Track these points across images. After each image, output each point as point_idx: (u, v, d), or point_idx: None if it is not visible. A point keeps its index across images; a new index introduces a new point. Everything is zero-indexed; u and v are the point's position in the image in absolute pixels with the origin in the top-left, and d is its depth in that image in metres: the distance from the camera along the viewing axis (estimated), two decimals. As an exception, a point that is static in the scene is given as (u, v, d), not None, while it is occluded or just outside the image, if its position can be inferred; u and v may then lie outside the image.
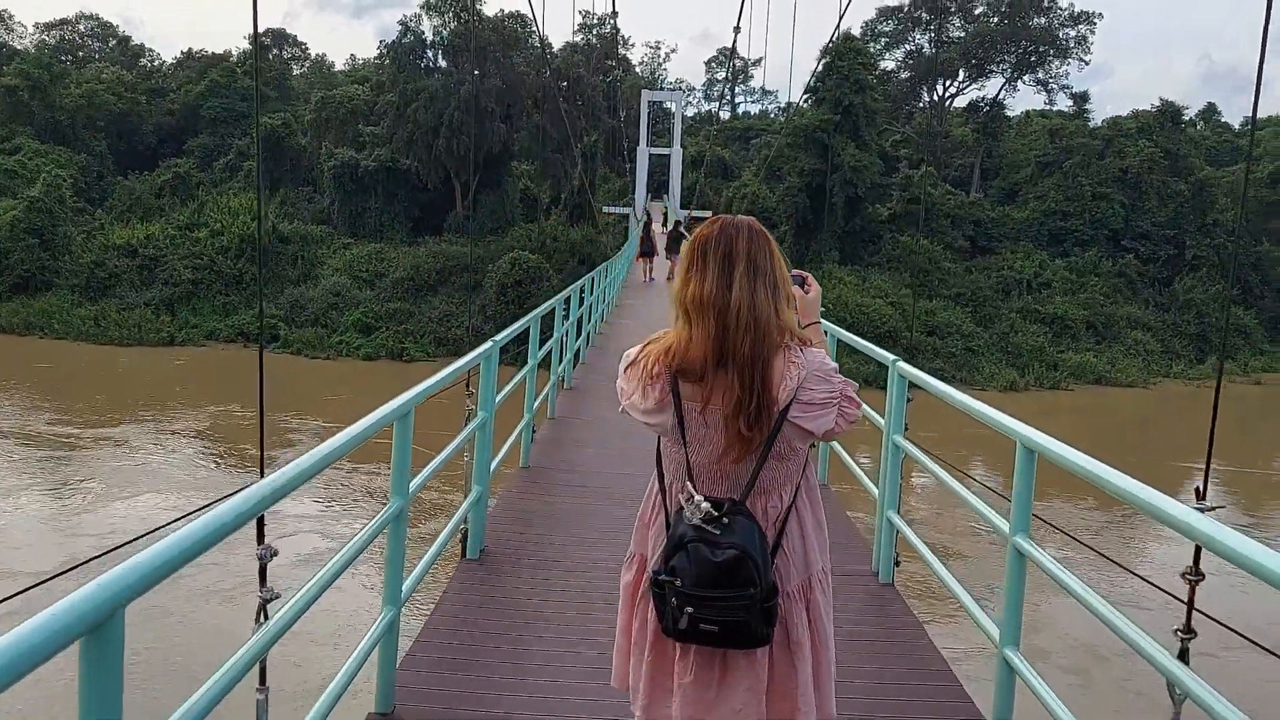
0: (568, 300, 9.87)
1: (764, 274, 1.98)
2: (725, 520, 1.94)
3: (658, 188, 50.00)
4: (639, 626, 2.12)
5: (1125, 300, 39.11)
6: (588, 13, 55.84)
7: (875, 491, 4.75)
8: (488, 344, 4.71)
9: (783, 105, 73.28)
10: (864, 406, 2.57)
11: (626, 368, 2.07)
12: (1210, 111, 63.40)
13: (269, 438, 21.51)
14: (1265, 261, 41.50)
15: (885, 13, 52.96)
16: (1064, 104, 55.36)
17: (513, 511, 5.50)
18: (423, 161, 37.54)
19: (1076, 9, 52.10)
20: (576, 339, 10.78)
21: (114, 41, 70.38)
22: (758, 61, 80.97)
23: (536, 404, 6.96)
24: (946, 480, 3.83)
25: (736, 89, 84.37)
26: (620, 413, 2.12)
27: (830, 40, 30.72)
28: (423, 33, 37.35)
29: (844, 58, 39.38)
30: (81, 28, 69.87)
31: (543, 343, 7.42)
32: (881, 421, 4.63)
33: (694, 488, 2.00)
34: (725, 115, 76.62)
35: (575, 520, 5.38)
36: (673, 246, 25.19)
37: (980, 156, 51.89)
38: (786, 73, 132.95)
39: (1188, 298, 39.18)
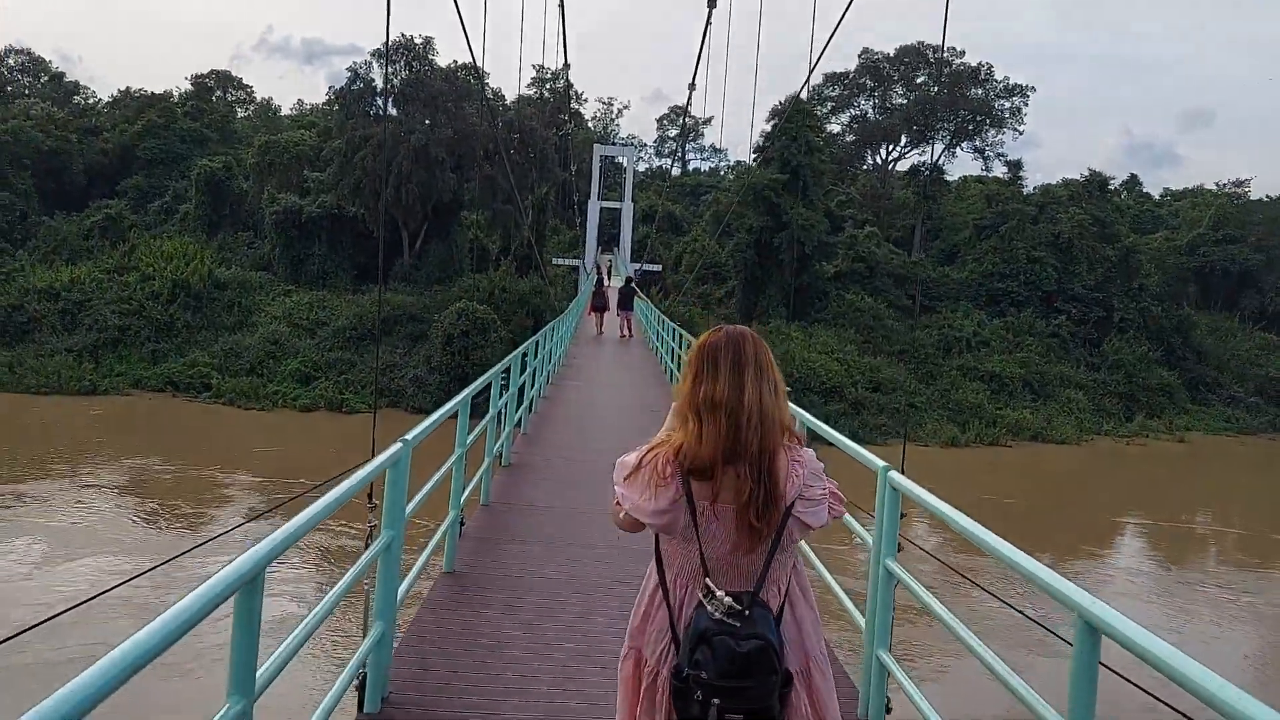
0: (507, 371, 8.63)
1: (768, 377, 2.17)
2: (747, 613, 2.02)
3: (608, 240, 50.17)
4: (643, 696, 2.18)
5: (1059, 359, 40.23)
6: (541, 66, 56.46)
7: (861, 623, 3.91)
8: (396, 446, 3.67)
9: (732, 163, 74.93)
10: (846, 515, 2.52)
11: (627, 476, 2.15)
12: (1133, 182, 66.59)
13: (200, 493, 20.52)
14: (1186, 324, 43.26)
15: (832, 79, 54.64)
16: (999, 170, 57.50)
17: (428, 641, 4.41)
18: (369, 209, 36.97)
19: (1011, 82, 54.57)
20: (518, 408, 9.32)
21: (46, 78, 68.52)
22: (709, 120, 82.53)
23: (467, 492, 5.92)
24: (953, 625, 3.07)
25: (688, 146, 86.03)
26: (616, 523, 2.24)
27: (787, 102, 31.42)
28: (372, 80, 37.06)
29: (793, 119, 40.32)
30: (11, 62, 67.94)
31: (480, 412, 6.61)
32: (868, 538, 3.89)
33: (711, 583, 2.07)
34: (676, 171, 77.75)
35: (512, 651, 4.32)
36: (625, 302, 25.44)
37: (921, 218, 53.44)
38: (736, 131, 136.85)
39: (1116, 358, 40.50)
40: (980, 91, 54.56)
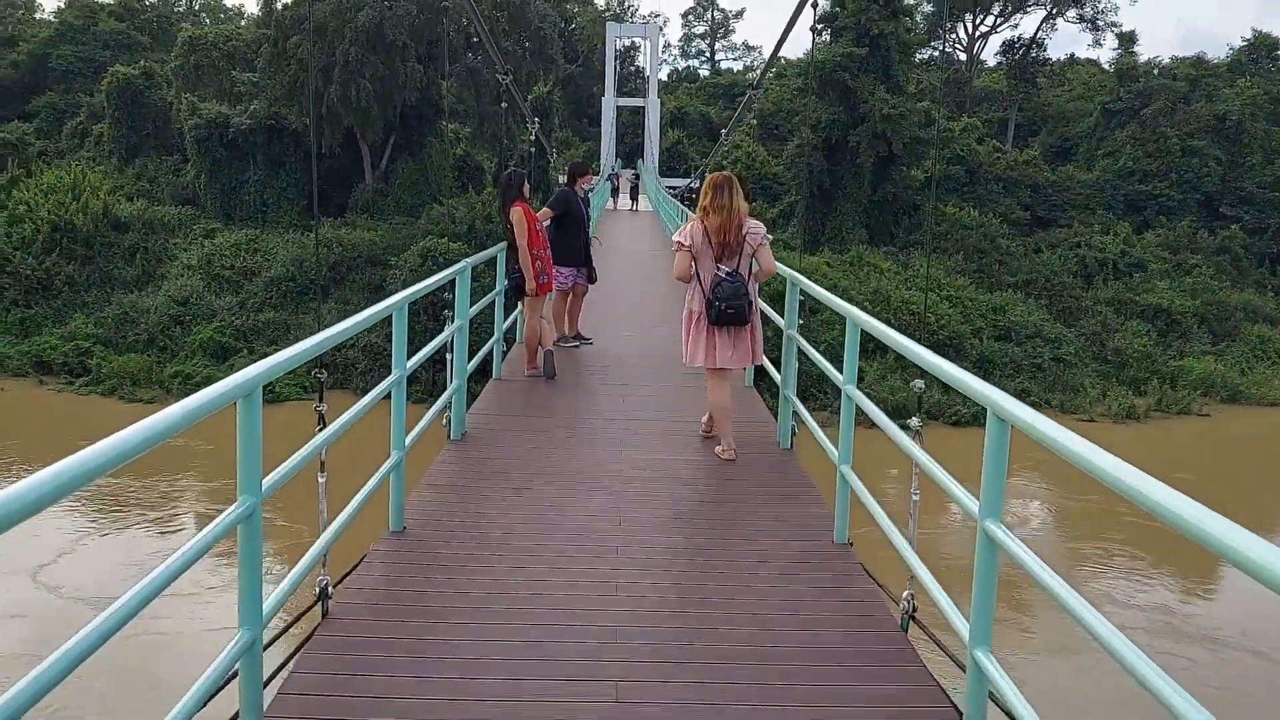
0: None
1: (739, 194, 5.13)
2: (733, 275, 5.09)
3: (629, 153, 40.46)
4: (696, 327, 5.24)
5: (1232, 284, 30.30)
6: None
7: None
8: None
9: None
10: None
11: (681, 234, 5.26)
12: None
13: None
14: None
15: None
16: (1110, 45, 46.25)
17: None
18: (311, 116, 27.64)
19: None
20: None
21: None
22: (741, 13, 71.12)
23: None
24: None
25: (716, 45, 74.61)
26: (677, 274, 5.25)
27: None
28: (304, -61, 27.28)
29: (868, -28, 29.93)
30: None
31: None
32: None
33: (720, 268, 5.10)
34: (706, 72, 66.84)
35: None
36: (633, 193, 34.09)
37: (1015, 108, 42.80)
38: (771, 25, 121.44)
39: (1311, 279, 30.60)
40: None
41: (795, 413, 5.48)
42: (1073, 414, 22.75)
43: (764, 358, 5.55)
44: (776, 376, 5.85)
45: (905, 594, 3.40)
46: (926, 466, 3.08)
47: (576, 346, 8.61)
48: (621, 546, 4.03)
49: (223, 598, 11.35)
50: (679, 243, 5.17)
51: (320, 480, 3.40)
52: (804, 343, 5.44)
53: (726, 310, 5.01)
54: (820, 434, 4.83)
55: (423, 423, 4.79)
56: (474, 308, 6.18)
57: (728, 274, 5.04)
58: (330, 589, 3.36)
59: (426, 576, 3.70)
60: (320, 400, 3.48)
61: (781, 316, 5.95)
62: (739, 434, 5.53)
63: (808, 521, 4.40)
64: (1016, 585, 12.45)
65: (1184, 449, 21.56)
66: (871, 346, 23.26)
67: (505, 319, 7.65)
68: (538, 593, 3.55)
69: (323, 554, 3.22)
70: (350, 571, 3.82)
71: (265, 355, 15.53)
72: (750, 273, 5.14)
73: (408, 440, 4.26)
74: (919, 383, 3.44)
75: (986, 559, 2.48)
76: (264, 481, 2.46)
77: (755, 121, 38.24)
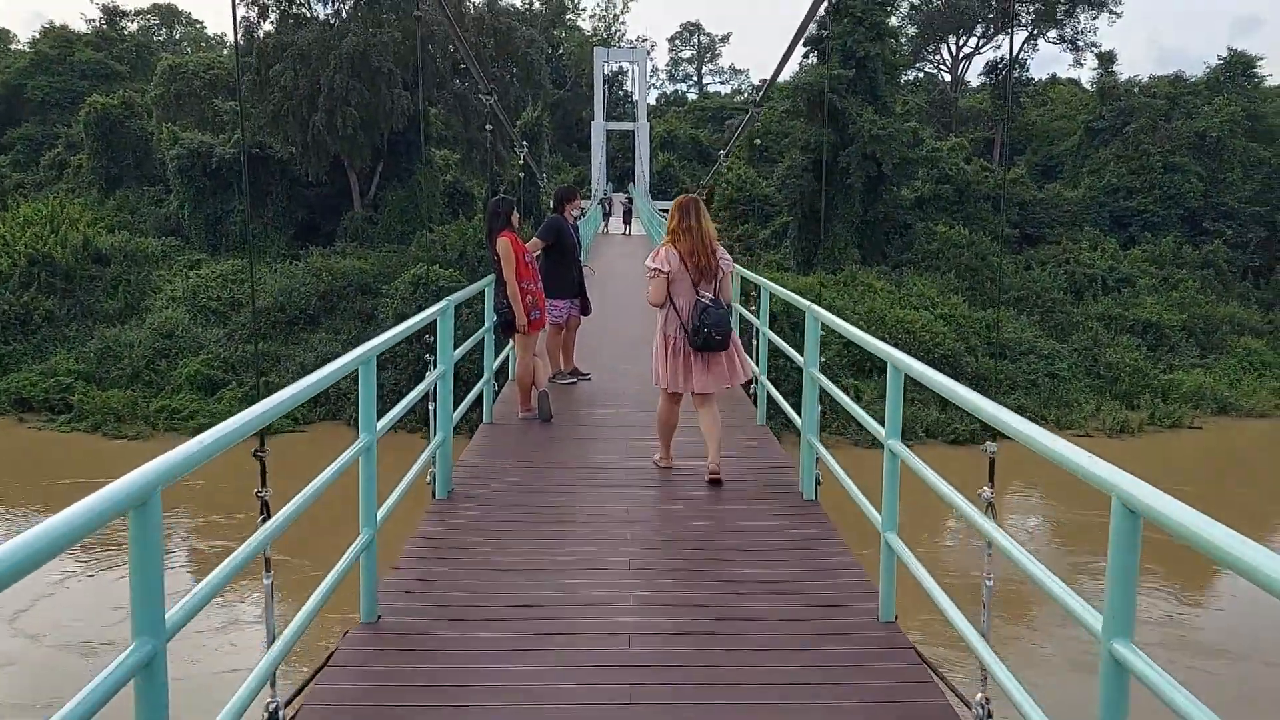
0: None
1: (706, 216, 5.21)
2: (716, 301, 5.14)
3: (620, 177, 40.39)
4: (671, 352, 5.25)
5: (1218, 298, 30.53)
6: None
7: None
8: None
9: (757, 84, 64.06)
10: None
11: (654, 257, 5.21)
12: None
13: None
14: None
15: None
16: (1090, 65, 46.89)
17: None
18: (297, 145, 27.37)
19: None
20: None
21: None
22: (726, 37, 71.57)
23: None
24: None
25: (703, 69, 75.13)
26: (651, 300, 5.23)
27: None
28: (289, -35, 27.13)
29: (852, -7, 30.11)
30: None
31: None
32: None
33: (703, 294, 5.13)
34: (693, 96, 67.18)
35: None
36: (627, 217, 34.22)
37: (1000, 127, 43.22)
38: (757, 49, 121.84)
39: (1295, 291, 30.87)
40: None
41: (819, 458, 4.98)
42: (1068, 429, 22.73)
43: (743, 379, 5.49)
44: (796, 420, 5.40)
45: (978, 698, 2.90)
46: (1008, 550, 2.52)
47: (573, 383, 8.12)
48: (634, 633, 3.46)
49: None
50: (654, 269, 5.12)
51: (266, 582, 2.86)
52: (828, 383, 4.92)
53: (714, 336, 5.03)
54: (858, 494, 4.19)
55: (400, 487, 4.16)
56: (460, 349, 5.55)
57: (712, 300, 5.06)
58: (281, 711, 2.76)
59: (406, 679, 3.12)
60: (262, 484, 2.77)
61: (791, 347, 5.60)
62: (754, 478, 5.36)
63: (845, 592, 3.88)
64: (1028, 602, 12.28)
65: (1180, 462, 21.54)
66: (869, 366, 23.26)
67: (496, 357, 7.11)
68: (538, 701, 2.98)
69: (271, 673, 2.60)
70: (313, 678, 3.22)
71: (253, 388, 15.03)
72: (724, 296, 5.28)
73: (381, 514, 3.60)
74: (991, 445, 2.98)
75: (1114, 690, 1.94)
76: (170, 614, 1.87)
77: (744, 143, 38.33)
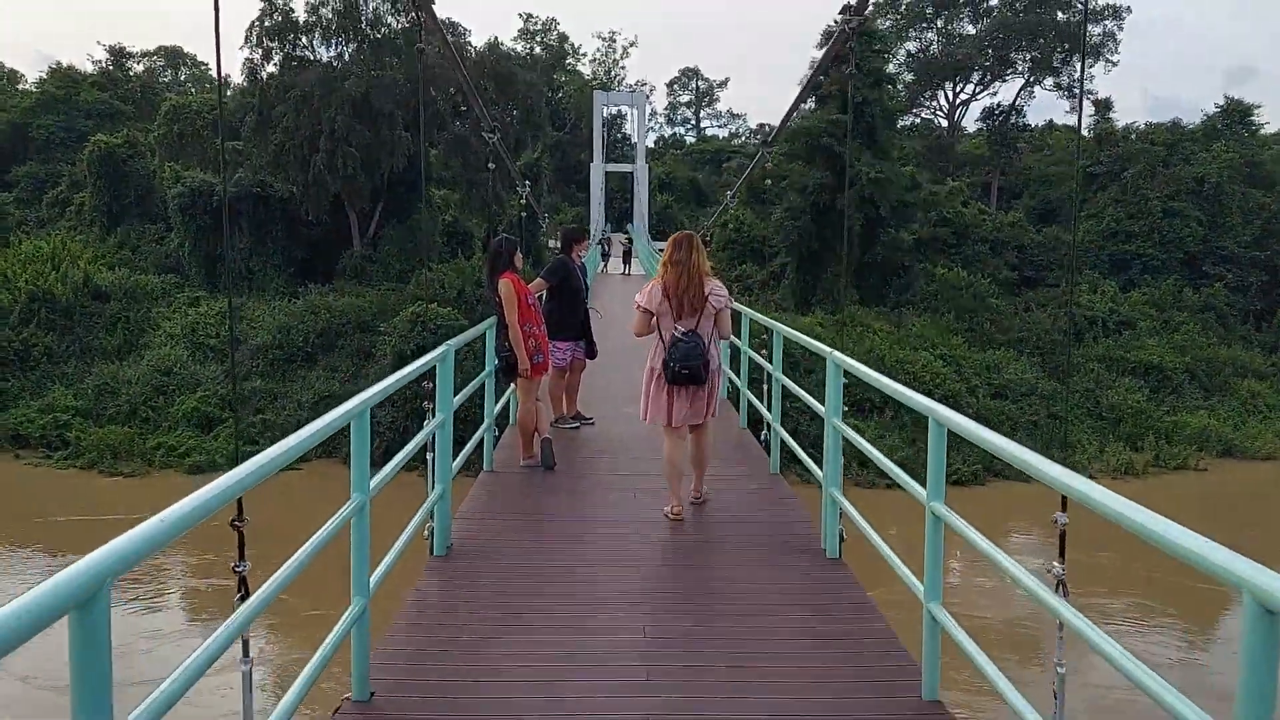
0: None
1: (700, 251, 5.23)
2: (689, 335, 5.15)
3: (619, 217, 40.62)
4: (655, 385, 5.29)
5: (1219, 340, 30.47)
6: (529, 16, 46.29)
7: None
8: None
9: (753, 127, 64.68)
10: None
11: (641, 295, 5.31)
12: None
13: None
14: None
15: (882, 8, 44.60)
16: (1087, 112, 47.35)
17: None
18: (298, 184, 27.49)
19: (1100, 2, 44.33)
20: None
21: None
22: (724, 82, 72.58)
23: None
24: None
25: (701, 113, 76.09)
26: (637, 331, 5.31)
27: (841, 20, 21.70)
28: (292, 10, 27.45)
29: (849, 41, 30.45)
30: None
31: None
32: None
33: (678, 327, 5.18)
34: (692, 139, 67.90)
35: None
36: (626, 257, 34.58)
37: (997, 172, 43.61)
38: (753, 94, 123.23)
39: (1296, 334, 30.83)
40: (1064, 16, 44.50)
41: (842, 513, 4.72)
42: (1074, 470, 22.48)
43: (715, 413, 5.59)
44: (818, 473, 5.14)
45: None
46: (1083, 633, 2.26)
47: (576, 428, 7.77)
48: (651, 714, 3.19)
49: None
50: (638, 305, 5.28)
51: (243, 669, 2.63)
52: (856, 436, 4.57)
53: (681, 371, 5.09)
54: (896, 560, 3.79)
55: (396, 547, 3.79)
56: (460, 395, 5.19)
57: (684, 334, 5.13)
58: None
59: None
60: (240, 557, 2.54)
61: (811, 395, 5.39)
62: (771, 534, 5.20)
63: (883, 665, 3.57)
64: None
65: (1188, 504, 21.26)
66: (868, 405, 23.12)
67: (497, 402, 6.78)
68: None
69: None
70: None
71: (254, 425, 14.90)
72: (711, 333, 5.22)
73: (374, 580, 3.28)
74: (1062, 516, 2.66)
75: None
76: None
77: (743, 186, 38.57)
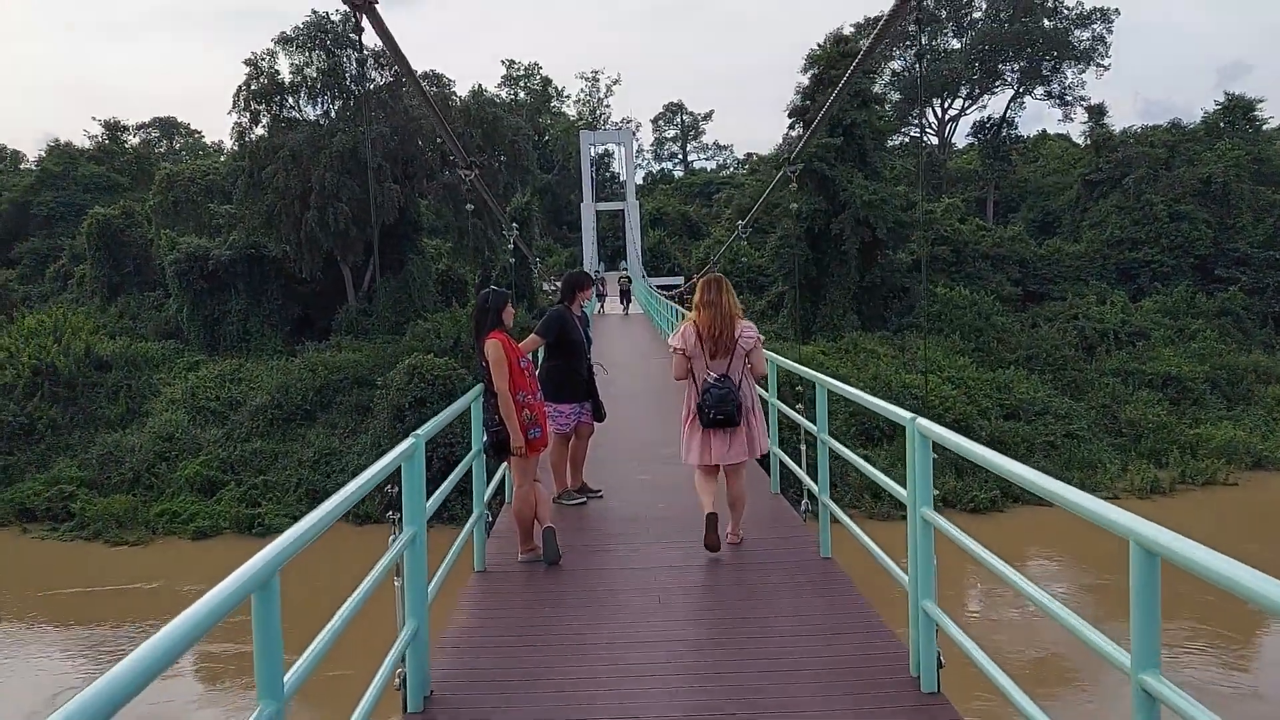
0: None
1: (730, 293, 5.34)
2: (722, 380, 5.22)
3: (611, 255, 40.43)
4: (691, 427, 5.36)
5: (1239, 346, 29.68)
6: (511, 62, 46.69)
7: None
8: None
9: (741, 158, 64.81)
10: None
11: (675, 337, 5.45)
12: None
13: None
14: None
15: (863, 28, 44.59)
16: (1080, 119, 47.02)
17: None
18: (291, 243, 27.45)
19: (1087, 6, 44.19)
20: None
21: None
22: (709, 114, 72.79)
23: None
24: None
25: (688, 147, 76.34)
26: (675, 374, 5.41)
27: (828, 43, 21.67)
28: (277, 72, 27.60)
29: (837, 66, 30.32)
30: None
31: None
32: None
33: (709, 370, 5.25)
34: (680, 173, 68.03)
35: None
36: (625, 296, 33.22)
37: (992, 186, 43.16)
38: (740, 124, 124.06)
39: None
40: (1051, 23, 44.35)
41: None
42: (1094, 492, 21.71)
43: (767, 447, 5.82)
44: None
45: None
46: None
47: (583, 503, 6.62)
48: None
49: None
50: (673, 347, 5.41)
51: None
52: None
53: (716, 417, 5.20)
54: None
55: (362, 707, 2.79)
56: (435, 496, 3.95)
57: (716, 380, 5.21)
58: None
59: None
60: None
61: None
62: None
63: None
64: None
65: (1223, 521, 20.47)
66: (878, 434, 22.52)
67: (487, 485, 5.60)
68: None
69: None
70: None
71: (255, 487, 14.73)
72: (742, 373, 5.34)
73: None
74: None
75: None
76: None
77: (735, 215, 38.35)
